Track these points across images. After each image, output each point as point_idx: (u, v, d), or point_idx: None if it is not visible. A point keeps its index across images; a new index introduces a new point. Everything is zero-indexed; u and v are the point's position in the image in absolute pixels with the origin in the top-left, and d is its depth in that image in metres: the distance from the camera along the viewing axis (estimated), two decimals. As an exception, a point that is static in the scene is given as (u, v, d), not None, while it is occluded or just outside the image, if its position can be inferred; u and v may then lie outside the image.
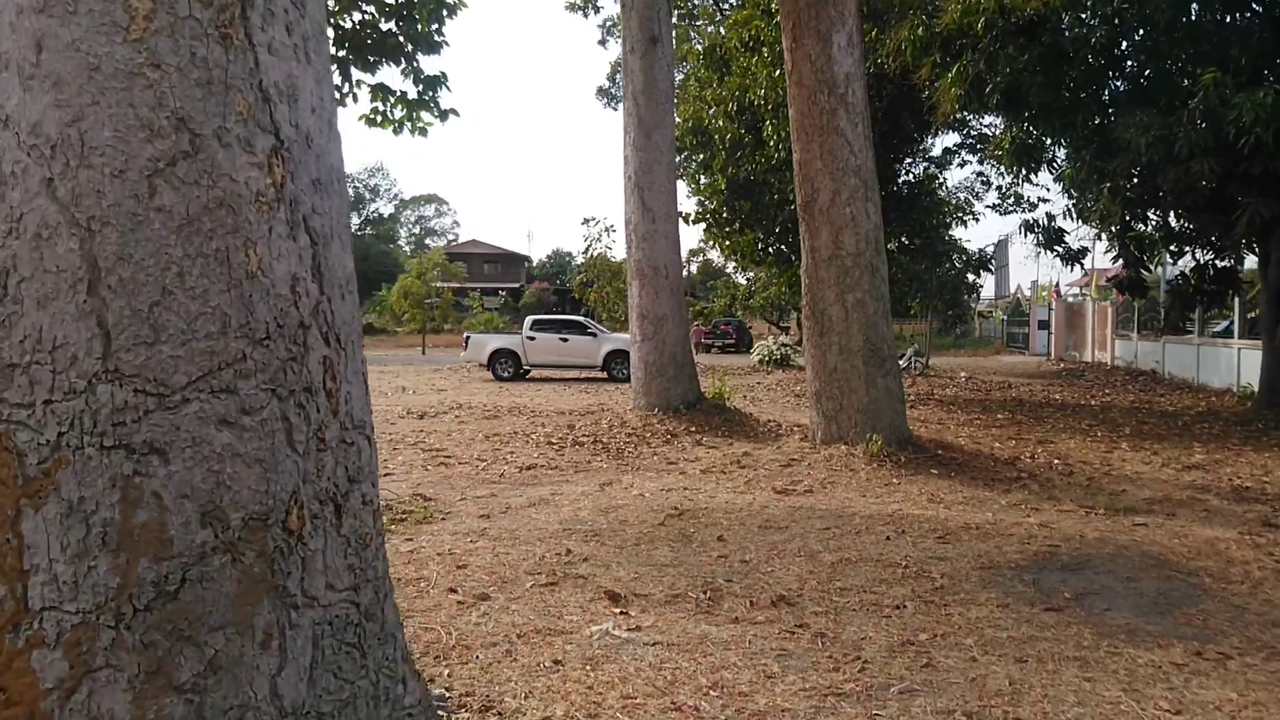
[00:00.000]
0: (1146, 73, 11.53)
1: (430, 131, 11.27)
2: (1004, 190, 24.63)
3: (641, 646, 4.13)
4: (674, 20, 34.88)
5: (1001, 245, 38.22)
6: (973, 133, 23.68)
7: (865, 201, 9.05)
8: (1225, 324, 20.52)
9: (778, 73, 15.71)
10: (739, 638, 4.26)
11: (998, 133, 23.23)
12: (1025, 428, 12.83)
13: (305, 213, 1.61)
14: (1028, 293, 40.41)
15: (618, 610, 4.63)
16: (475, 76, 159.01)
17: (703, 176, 17.98)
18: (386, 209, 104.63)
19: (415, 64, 10.76)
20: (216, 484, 1.49)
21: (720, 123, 16.97)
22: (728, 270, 53.89)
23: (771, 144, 16.07)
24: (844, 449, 9.12)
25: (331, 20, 10.36)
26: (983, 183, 24.79)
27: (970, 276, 25.51)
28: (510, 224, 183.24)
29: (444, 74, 10.65)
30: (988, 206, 24.78)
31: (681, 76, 28.99)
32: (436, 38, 10.91)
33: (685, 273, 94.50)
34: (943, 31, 12.07)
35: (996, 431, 12.34)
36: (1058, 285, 33.33)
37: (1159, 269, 17.23)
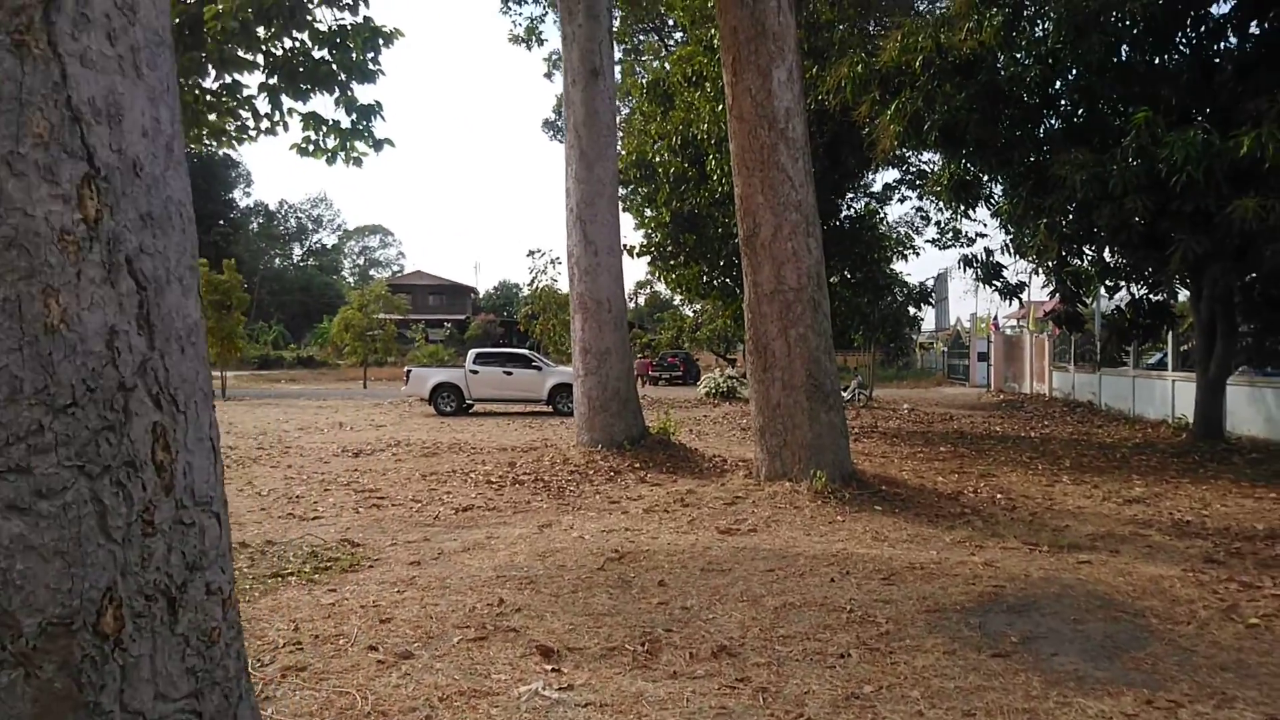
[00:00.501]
0: (1080, 111, 11.78)
1: (367, 162, 11.09)
2: (943, 225, 25.05)
3: (572, 708, 3.87)
4: (619, 55, 35.12)
5: (941, 279, 38.89)
6: (912, 169, 24.11)
7: (807, 237, 9.00)
8: (1159, 356, 21.02)
9: (720, 107, 15.75)
10: (677, 695, 4.03)
11: (936, 169, 23.76)
12: (968, 461, 12.86)
13: (130, 253, 1.35)
14: (967, 325, 41.11)
15: (550, 667, 4.37)
16: (425, 107, 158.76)
17: (647, 210, 17.94)
18: (330, 240, 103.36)
19: (349, 93, 10.51)
20: (3, 584, 1.22)
21: (664, 156, 16.96)
22: (675, 302, 54.07)
23: (715, 178, 16.08)
24: (788, 485, 8.98)
25: (262, 47, 10.08)
26: (922, 217, 25.22)
27: (911, 309, 25.82)
28: (457, 256, 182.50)
29: (378, 103, 10.42)
30: (928, 241, 25.04)
31: (627, 111, 29.11)
32: (371, 66, 10.70)
33: (632, 305, 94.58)
34: (882, 69, 12.20)
35: (940, 465, 12.35)
36: (996, 318, 33.94)
37: (1094, 303, 17.56)
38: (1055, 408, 23.66)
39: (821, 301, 9.14)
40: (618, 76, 32.49)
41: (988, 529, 7.94)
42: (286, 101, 10.49)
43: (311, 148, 10.67)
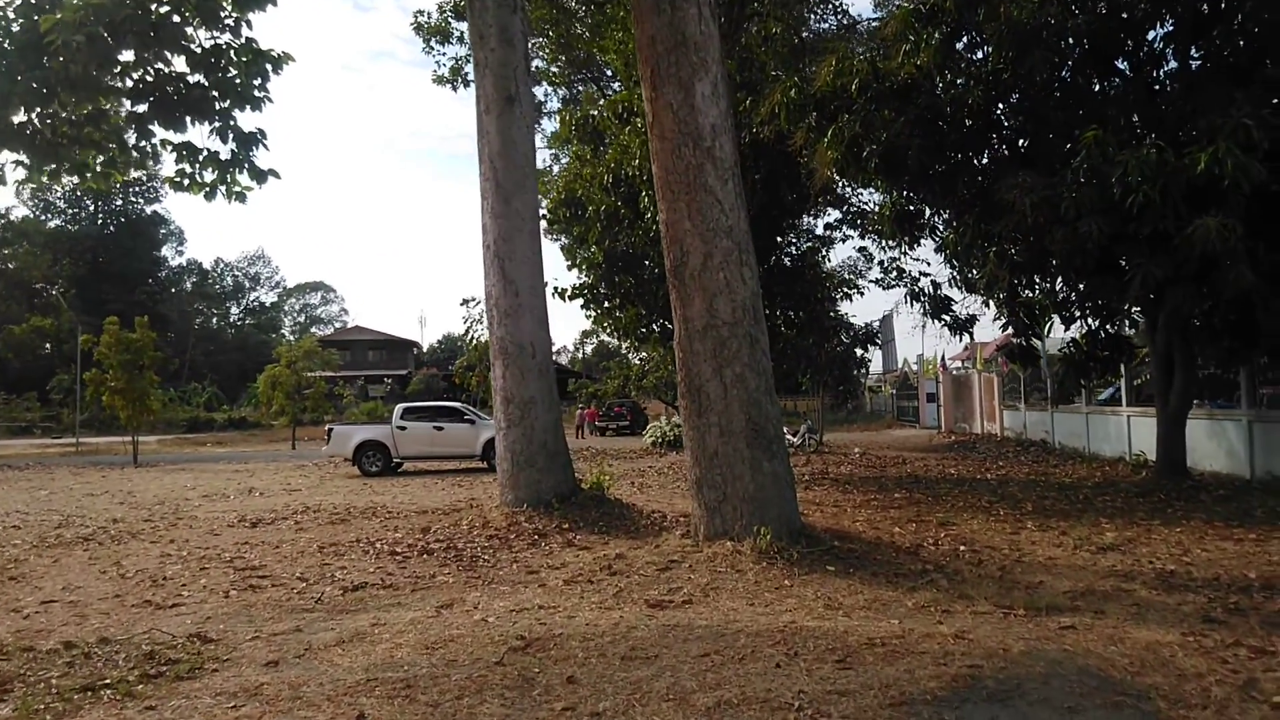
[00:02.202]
0: (1026, 134, 11.17)
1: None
2: (886, 264, 24.46)
3: None
4: (556, 105, 34.54)
5: (887, 320, 38.56)
6: (853, 208, 23.58)
7: (740, 265, 8.09)
8: (1110, 391, 20.57)
9: (652, 141, 15.00)
10: None
11: (877, 206, 23.29)
12: (925, 508, 11.98)
13: None
14: (915, 367, 40.83)
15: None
16: (367, 157, 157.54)
17: (579, 250, 17.03)
18: (269, 298, 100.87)
19: (231, 121, 9.43)
20: None
21: (595, 195, 16.09)
22: (622, 350, 53.17)
23: (649, 216, 15.23)
24: (729, 545, 7.93)
25: (131, 73, 8.98)
26: (866, 257, 24.66)
27: (859, 351, 25.20)
28: (402, 310, 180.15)
29: (260, 131, 9.34)
30: (872, 281, 24.45)
31: (565, 161, 28.38)
32: (257, 93, 9.65)
33: (579, 354, 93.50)
34: (817, 94, 11.51)
35: (895, 513, 11.44)
36: (943, 358, 33.59)
37: (1045, 337, 17.01)
38: (1008, 447, 23.07)
39: (759, 337, 8.21)
40: (555, 125, 31.97)
41: (954, 589, 6.97)
42: (160, 132, 9.41)
43: (186, 181, 9.54)
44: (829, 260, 19.72)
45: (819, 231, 22.17)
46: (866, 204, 23.62)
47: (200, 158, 9.30)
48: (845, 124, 11.04)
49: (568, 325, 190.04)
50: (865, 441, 28.96)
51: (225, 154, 9.41)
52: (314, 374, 37.83)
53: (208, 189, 9.68)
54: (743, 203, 8.22)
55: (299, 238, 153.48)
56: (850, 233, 22.95)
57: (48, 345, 61.03)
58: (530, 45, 32.19)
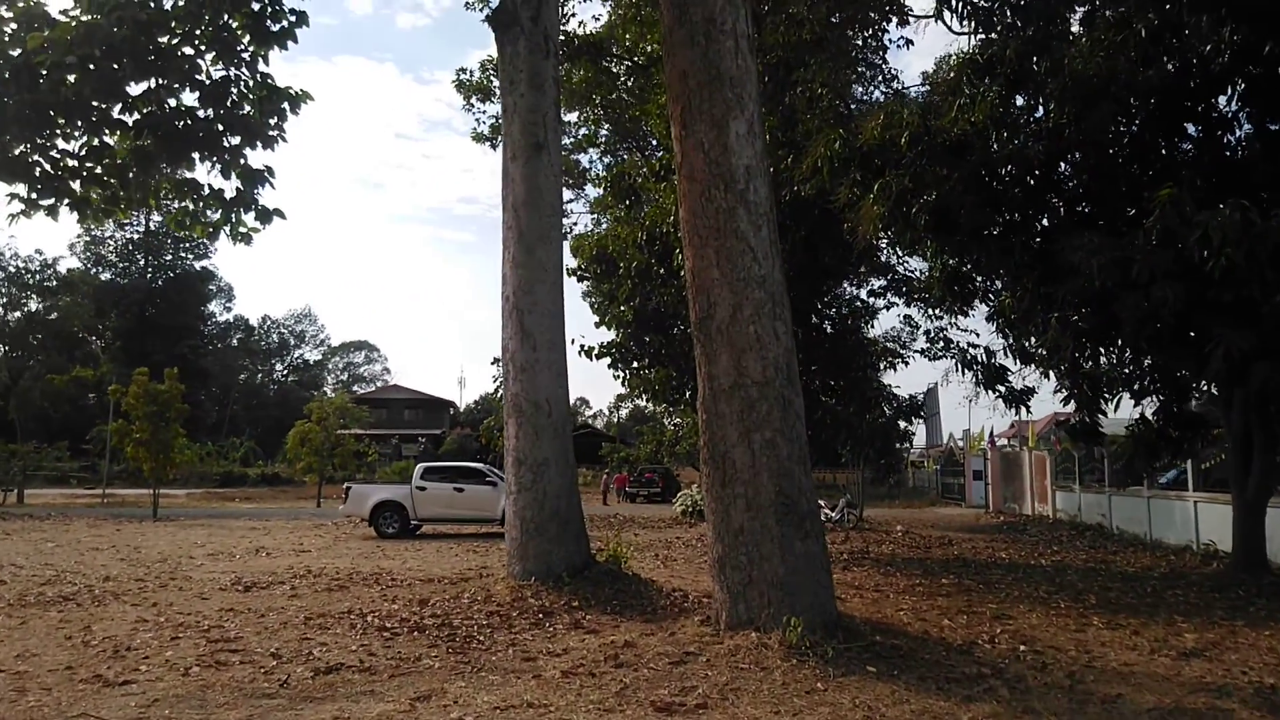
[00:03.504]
0: (1089, 194, 10.30)
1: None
2: (932, 334, 23.48)
3: None
4: (600, 170, 34.40)
5: (932, 393, 37.23)
6: (896, 275, 22.73)
7: (773, 320, 7.28)
8: (1173, 474, 19.21)
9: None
10: None
11: (924, 274, 22.41)
12: (976, 596, 10.85)
13: None
14: (960, 442, 39.36)
15: None
16: (417, 221, 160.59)
17: (610, 308, 16.37)
18: (313, 355, 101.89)
19: (242, 160, 8.95)
20: None
21: (628, 251, 15.47)
22: (657, 414, 52.20)
23: (684, 274, 14.53)
24: (754, 637, 6.95)
25: (142, 110, 8.53)
26: (911, 326, 23.69)
27: (902, 423, 24.09)
28: (443, 370, 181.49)
29: (268, 168, 8.84)
30: (916, 351, 23.43)
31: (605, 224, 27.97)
32: (272, 131, 9.19)
33: (615, 419, 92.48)
34: (864, 146, 10.79)
35: (943, 602, 10.33)
36: (991, 434, 32.21)
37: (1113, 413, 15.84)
38: (1061, 531, 21.64)
39: (793, 399, 7.34)
40: (599, 190, 31.74)
41: (1017, 700, 5.93)
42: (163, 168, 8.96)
43: (189, 220, 9.05)
44: (874, 327, 18.83)
45: (863, 297, 21.38)
46: (912, 271, 22.85)
47: (202, 196, 8.82)
48: (893, 179, 10.29)
49: (604, 389, 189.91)
50: (908, 519, 27.57)
51: (230, 191, 8.96)
52: (346, 431, 37.46)
53: (210, 229, 9.20)
54: (777, 251, 7.44)
55: (346, 298, 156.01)
56: (895, 300, 22.13)
57: (91, 396, 61.73)
58: (579, 115, 32.44)
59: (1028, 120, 10.68)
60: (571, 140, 33.36)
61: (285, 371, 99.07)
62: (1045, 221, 10.94)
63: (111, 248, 74.42)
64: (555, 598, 9.40)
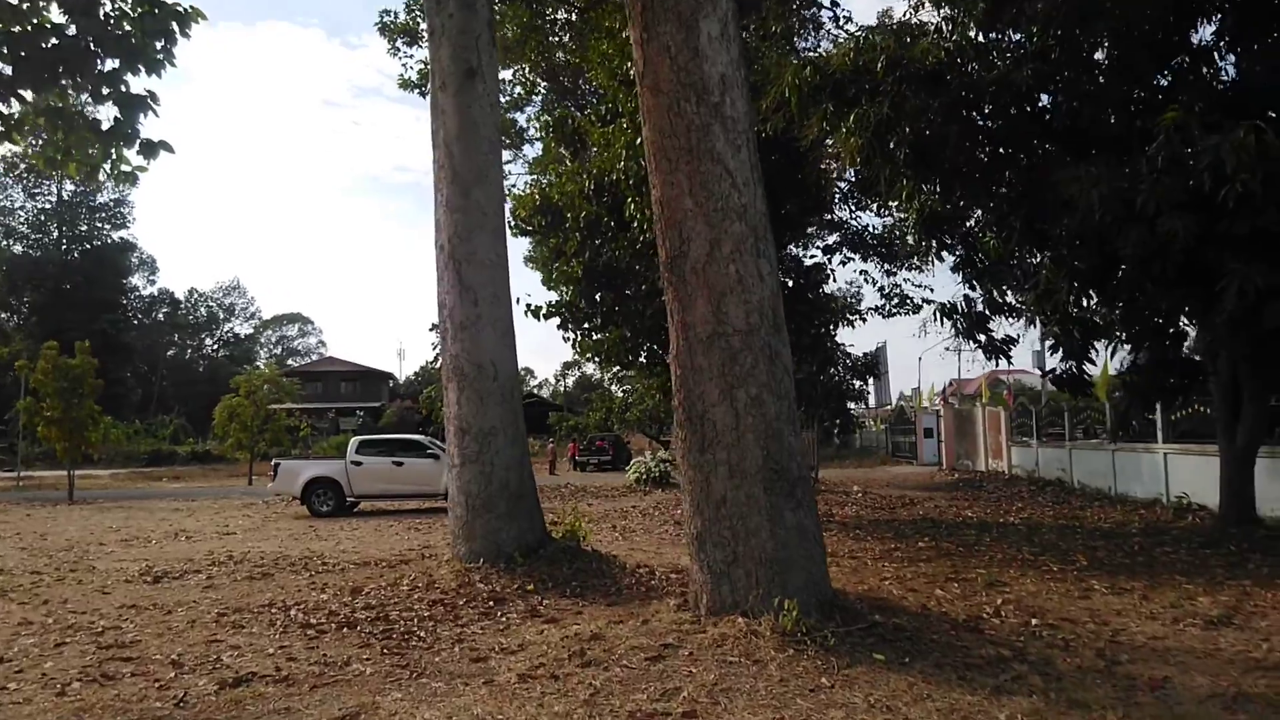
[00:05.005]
0: (1083, 121, 9.42)
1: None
2: (887, 290, 22.77)
3: None
4: (535, 128, 32.82)
5: (881, 351, 36.99)
6: (850, 229, 21.90)
7: (756, 257, 6.25)
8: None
9: (639, 140, 13.24)
10: None
11: (878, 229, 21.62)
12: (959, 561, 10.12)
13: None
14: (910, 401, 39.15)
15: None
16: (349, 190, 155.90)
17: (557, 265, 15.18)
18: (244, 329, 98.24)
19: (123, 84, 7.56)
20: None
21: (575, 201, 14.28)
22: (604, 382, 51.16)
23: (637, 224, 13.43)
24: (742, 624, 6.00)
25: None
26: (869, 281, 22.91)
27: (856, 383, 23.48)
28: (381, 344, 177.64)
29: (151, 94, 7.48)
30: (871, 309, 22.72)
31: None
32: (158, 55, 7.82)
33: (562, 388, 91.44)
34: (836, 73, 9.75)
35: (927, 569, 9.56)
36: (945, 391, 31.89)
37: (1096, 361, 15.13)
38: (1020, 487, 21.27)
39: (781, 350, 6.34)
40: (538, 151, 30.24)
41: (1054, 690, 5.07)
42: (29, 96, 7.53)
43: (59, 157, 7.65)
44: (834, 279, 17.94)
45: (815, 254, 20.52)
46: (866, 225, 22.06)
47: (74, 128, 7.42)
48: (871, 108, 9.30)
49: (549, 357, 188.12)
50: (862, 479, 27.11)
51: (108, 122, 7.59)
52: (279, 406, 35.66)
53: (87, 168, 7.80)
54: (759, 177, 6.39)
55: (278, 270, 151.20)
56: (851, 255, 21.33)
57: (9, 375, 58.33)
58: (513, 74, 30.82)
59: (1010, 44, 9.77)
60: (508, 98, 31.82)
61: (215, 346, 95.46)
62: (1035, 153, 10.05)
63: (22, 219, 70.33)
64: (507, 581, 8.35)
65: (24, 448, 40.57)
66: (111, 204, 72.80)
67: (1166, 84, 10.15)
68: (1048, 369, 11.82)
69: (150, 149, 7.51)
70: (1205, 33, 10.36)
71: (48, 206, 70.46)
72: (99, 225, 72.40)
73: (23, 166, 67.66)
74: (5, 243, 69.57)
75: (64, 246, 70.26)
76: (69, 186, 70.50)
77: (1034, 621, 6.88)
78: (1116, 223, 8.25)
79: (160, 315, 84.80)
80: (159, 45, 7.89)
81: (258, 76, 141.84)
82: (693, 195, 6.16)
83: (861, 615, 6.43)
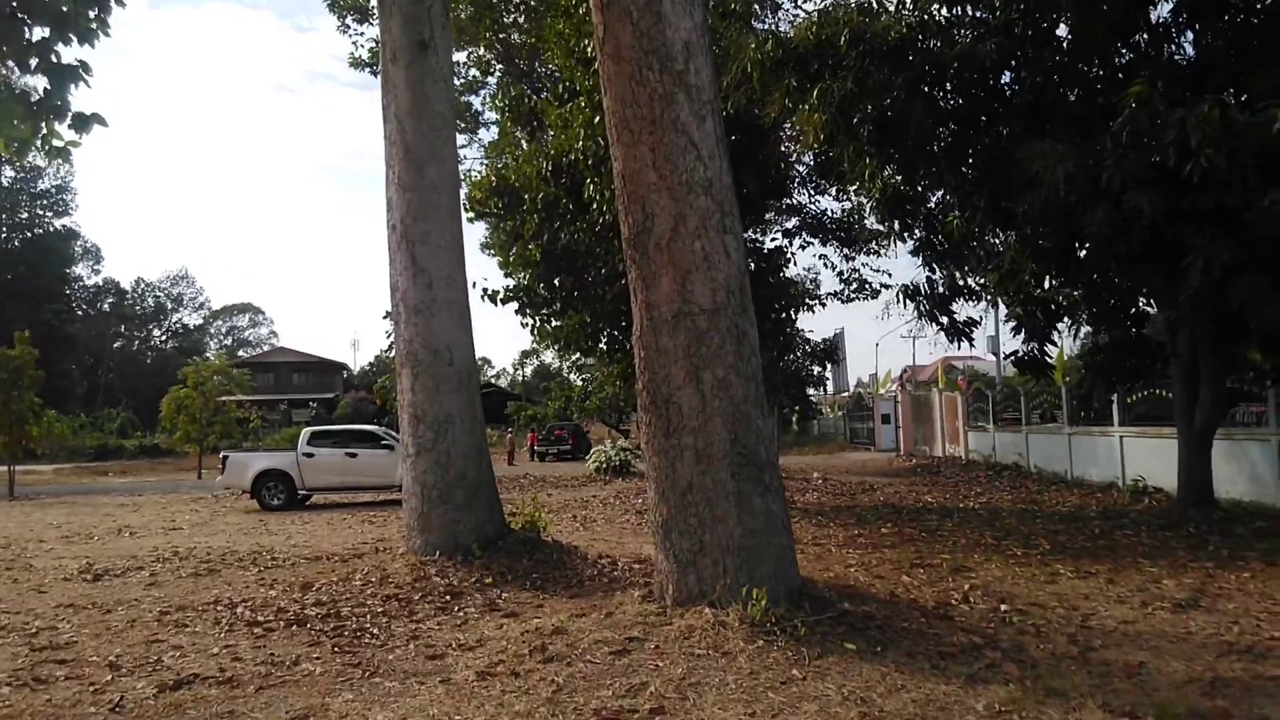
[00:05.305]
0: (1046, 97, 9.32)
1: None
2: (846, 275, 22.74)
3: None
4: (490, 111, 32.27)
5: (839, 337, 37.06)
6: (808, 214, 21.79)
7: (723, 233, 6.01)
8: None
9: (598, 119, 12.93)
10: None
11: (836, 213, 21.52)
12: (923, 546, 10.03)
13: None
14: (867, 388, 39.33)
15: None
16: (300, 177, 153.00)
17: (515, 248, 14.81)
18: (194, 319, 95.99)
19: (53, 54, 7.10)
20: None
21: (533, 183, 13.92)
22: (564, 372, 50.81)
23: (596, 206, 13.13)
24: (709, 614, 5.78)
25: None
26: (828, 266, 22.82)
27: (815, 368, 23.46)
28: (334, 334, 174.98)
29: (82, 63, 7.03)
30: (829, 294, 22.69)
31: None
32: (91, 24, 7.39)
33: (519, 377, 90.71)
34: (799, 47, 9.54)
35: (892, 554, 9.46)
36: (902, 377, 32.07)
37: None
38: (977, 471, 21.40)
39: (748, 330, 6.13)
40: (494, 135, 29.76)
41: (1030, 678, 4.93)
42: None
43: (-20, 133, 7.15)
44: (795, 262, 17.75)
45: (776, 237, 20.38)
46: (824, 210, 21.95)
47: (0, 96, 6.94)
48: (835, 82, 9.11)
49: (506, 346, 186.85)
50: (821, 465, 27.17)
51: (36, 94, 7.12)
52: (229, 397, 34.74)
53: (16, 144, 7.31)
54: (725, 149, 6.15)
55: (226, 259, 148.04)
56: (811, 240, 21.20)
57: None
58: (467, 56, 30.25)
59: (972, 19, 9.62)
60: (462, 80, 31.27)
61: (164, 337, 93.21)
62: (999, 131, 9.94)
63: (-43, 207, 67.84)
64: (464, 574, 8.06)
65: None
66: (53, 191, 70.59)
67: (1127, 61, 10.10)
68: (1009, 351, 11.76)
69: (82, 122, 7.08)
70: (1163, 10, 10.38)
71: (-14, 194, 68.10)
72: (40, 213, 70.11)
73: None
74: (-60, 231, 67.17)
75: (3, 234, 67.92)
76: (8, 172, 68.18)
77: (1003, 607, 6.77)
78: (1081, 200, 8.16)
79: (106, 306, 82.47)
80: (92, 14, 7.48)
81: (206, 59, 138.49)
82: (656, 168, 5.90)
83: (830, 604, 6.25)
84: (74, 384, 67.90)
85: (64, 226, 71.42)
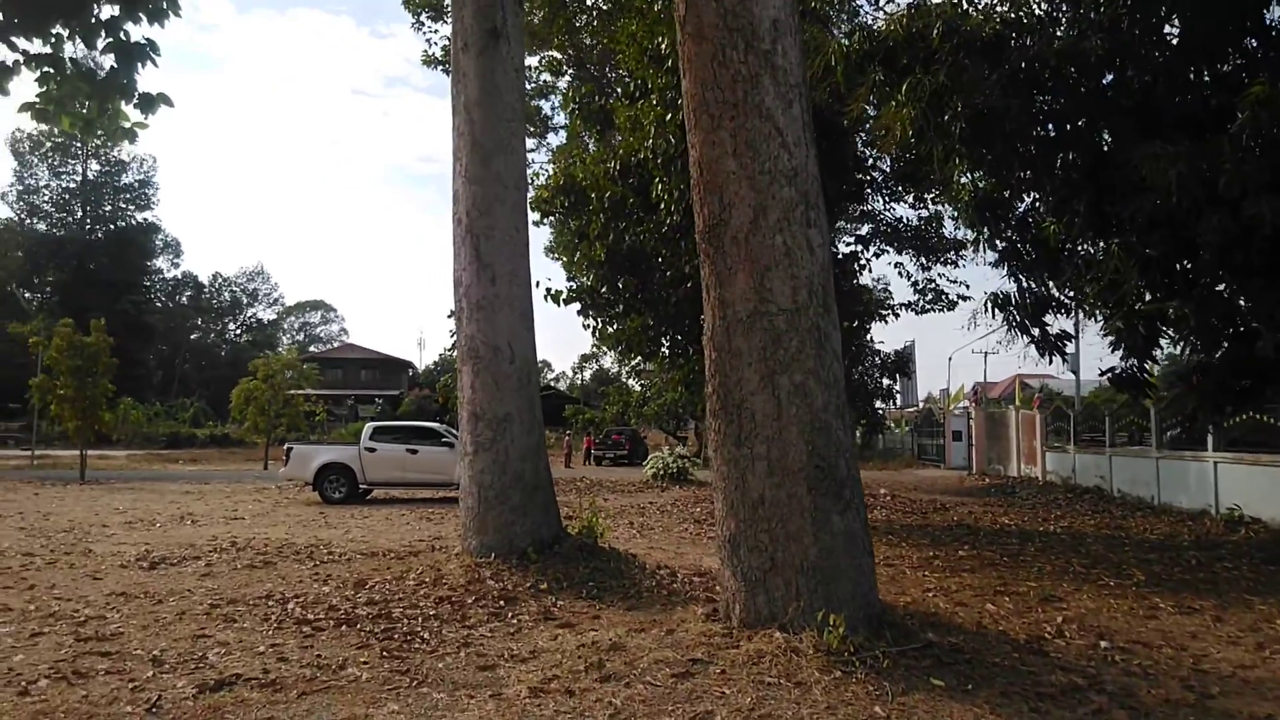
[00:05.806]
0: (1155, 98, 8.66)
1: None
2: (921, 284, 21.95)
3: None
4: (560, 115, 32.20)
5: (910, 349, 36.08)
6: (884, 221, 21.10)
7: (806, 226, 5.59)
8: (1171, 434, 18.01)
9: (669, 116, 12.57)
10: None
11: (910, 222, 20.79)
12: (1006, 572, 9.40)
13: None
14: (939, 403, 38.19)
15: None
16: (375, 178, 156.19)
17: (579, 247, 14.53)
18: (268, 315, 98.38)
19: (122, 32, 7.00)
20: None
21: (600, 182, 13.62)
22: (622, 377, 50.54)
23: (664, 207, 12.76)
24: (780, 639, 5.35)
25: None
26: (902, 274, 22.07)
27: (885, 381, 22.70)
28: (403, 330, 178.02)
29: (149, 41, 6.91)
30: (903, 304, 21.94)
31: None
32: (161, 2, 7.28)
33: (578, 381, 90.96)
34: (888, 40, 9.04)
35: (972, 580, 8.86)
36: (975, 392, 30.99)
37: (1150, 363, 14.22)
38: (1055, 494, 20.43)
39: (830, 332, 5.69)
40: (565, 127, 29.69)
41: (1144, 729, 4.39)
42: (21, 44, 6.99)
43: (53, 109, 7.08)
44: (869, 270, 17.19)
45: (850, 243, 19.79)
46: (902, 218, 21.23)
47: (65, 77, 6.87)
48: (926, 77, 8.58)
49: (567, 350, 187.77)
50: (888, 481, 26.32)
51: (103, 72, 7.03)
52: (298, 391, 35.28)
53: (81, 122, 7.23)
54: (812, 137, 5.73)
55: (301, 257, 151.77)
56: (886, 247, 20.53)
57: (31, 354, 58.50)
58: (539, 60, 30.24)
59: (1074, 15, 9.01)
60: (533, 85, 31.31)
61: (238, 330, 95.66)
62: (1102, 131, 9.28)
63: (47, 197, 70.41)
64: (519, 579, 7.74)
65: (44, 427, 40.47)
66: (136, 185, 72.90)
67: (1240, 63, 9.37)
68: (1106, 369, 11.00)
69: (148, 103, 6.96)
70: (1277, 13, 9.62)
71: (72, 186, 70.56)
72: (123, 206, 72.44)
73: (48, 145, 67.97)
74: (29, 221, 69.78)
75: (88, 226, 70.32)
76: (94, 166, 70.58)
77: (1103, 644, 6.19)
78: (1195, 206, 7.51)
79: (184, 298, 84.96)
80: (168, -8, 7.37)
81: (288, 63, 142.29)
82: (737, 155, 5.50)
83: (914, 633, 5.76)
84: (150, 373, 69.98)
85: (145, 220, 73.72)
